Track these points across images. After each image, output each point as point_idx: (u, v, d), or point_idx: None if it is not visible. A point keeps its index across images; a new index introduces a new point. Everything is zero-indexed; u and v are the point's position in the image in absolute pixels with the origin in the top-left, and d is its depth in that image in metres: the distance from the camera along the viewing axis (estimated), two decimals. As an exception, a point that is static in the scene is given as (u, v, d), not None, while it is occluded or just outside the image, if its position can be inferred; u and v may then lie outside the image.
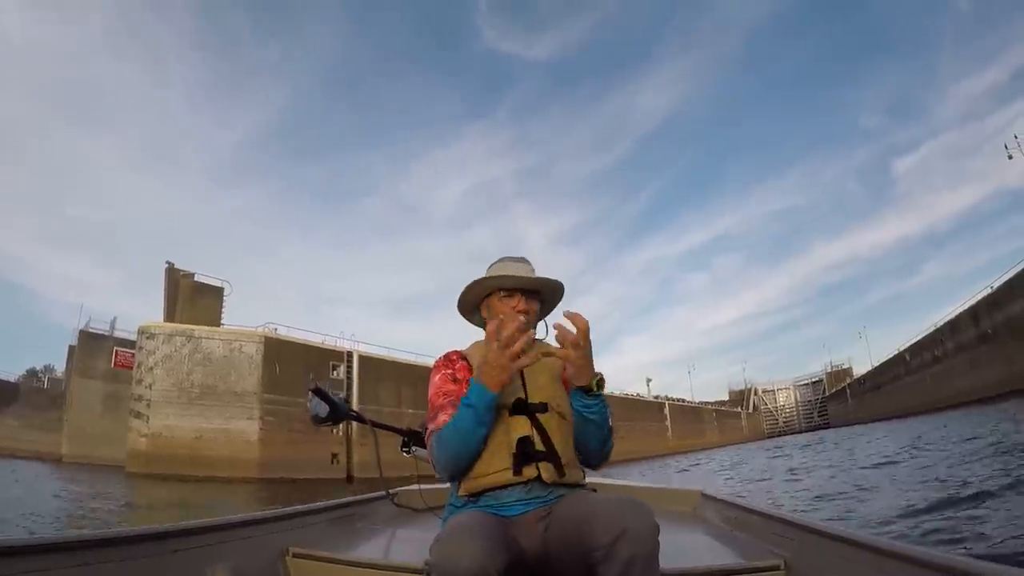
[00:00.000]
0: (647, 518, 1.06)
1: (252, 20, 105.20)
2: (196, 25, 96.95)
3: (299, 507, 1.91)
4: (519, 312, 1.42)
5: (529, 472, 1.30)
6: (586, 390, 1.31)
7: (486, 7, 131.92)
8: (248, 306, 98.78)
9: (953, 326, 37.67)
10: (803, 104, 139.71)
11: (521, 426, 1.33)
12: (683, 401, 64.04)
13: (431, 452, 1.35)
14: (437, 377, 1.42)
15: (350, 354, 28.54)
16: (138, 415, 24.17)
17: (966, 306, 35.71)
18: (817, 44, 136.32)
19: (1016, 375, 27.82)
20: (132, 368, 26.79)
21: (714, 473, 15.89)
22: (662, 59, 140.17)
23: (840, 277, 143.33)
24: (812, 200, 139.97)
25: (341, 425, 2.54)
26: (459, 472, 1.33)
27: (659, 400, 57.11)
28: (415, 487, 2.18)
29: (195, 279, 28.28)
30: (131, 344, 28.99)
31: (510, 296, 1.45)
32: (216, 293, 28.76)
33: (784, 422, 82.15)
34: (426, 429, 1.38)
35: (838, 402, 72.57)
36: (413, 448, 1.96)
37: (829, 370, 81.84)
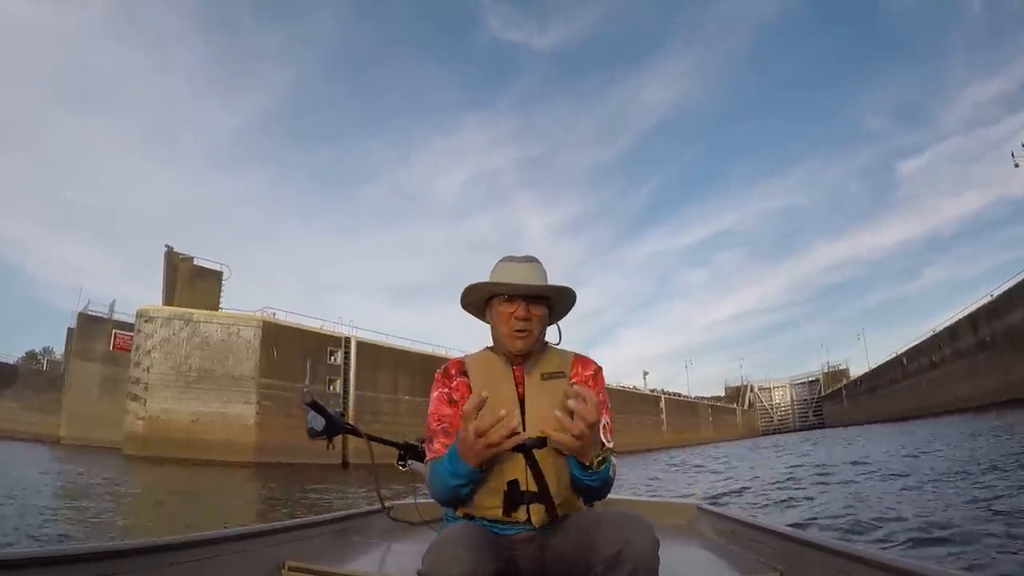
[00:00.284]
0: (648, 532, 1.06)
1: (253, 4, 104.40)
2: (197, 8, 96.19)
3: (295, 520, 1.91)
4: (519, 319, 1.32)
5: (519, 515, 1.26)
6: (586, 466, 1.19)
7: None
8: (248, 291, 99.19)
9: (952, 332, 37.79)
10: (808, 104, 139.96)
11: (513, 467, 1.25)
12: (679, 395, 64.29)
13: (427, 476, 1.33)
14: (435, 395, 1.38)
15: (348, 340, 28.65)
16: (136, 398, 24.28)
17: (965, 313, 35.86)
18: (824, 44, 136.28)
19: (1014, 384, 27.93)
20: (130, 351, 26.89)
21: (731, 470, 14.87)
22: (668, 54, 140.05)
23: (840, 278, 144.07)
24: (814, 200, 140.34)
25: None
26: (451, 506, 1.34)
27: (655, 393, 57.22)
28: (411, 501, 2.17)
29: (194, 263, 28.22)
30: (130, 327, 29.13)
31: (510, 302, 1.34)
32: (215, 277, 28.72)
33: (779, 420, 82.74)
34: (422, 443, 1.35)
35: (834, 402, 72.92)
36: (410, 461, 1.93)
37: (826, 370, 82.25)
